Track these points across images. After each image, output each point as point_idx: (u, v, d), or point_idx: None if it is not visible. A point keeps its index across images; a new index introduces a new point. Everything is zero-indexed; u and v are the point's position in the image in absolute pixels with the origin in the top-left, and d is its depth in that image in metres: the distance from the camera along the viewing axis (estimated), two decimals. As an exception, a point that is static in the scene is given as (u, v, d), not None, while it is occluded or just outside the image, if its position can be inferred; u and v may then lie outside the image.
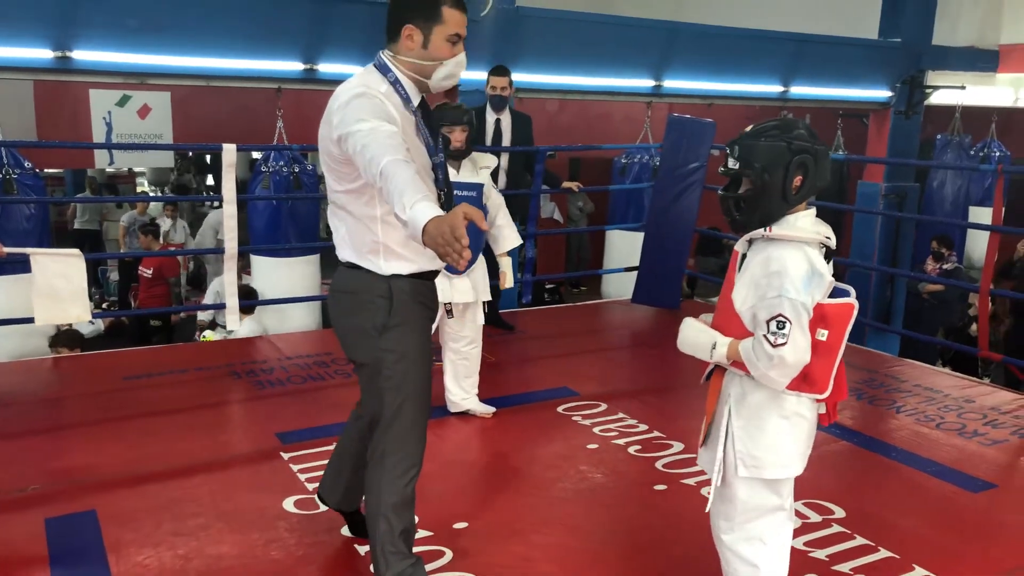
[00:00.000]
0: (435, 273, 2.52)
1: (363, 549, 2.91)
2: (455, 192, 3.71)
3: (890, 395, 4.73)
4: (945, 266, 7.74)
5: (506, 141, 5.55)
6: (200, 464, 3.57)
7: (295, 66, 6.12)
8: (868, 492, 3.53)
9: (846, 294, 2.17)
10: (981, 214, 8.71)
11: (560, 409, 4.31)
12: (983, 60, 9.30)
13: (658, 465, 3.67)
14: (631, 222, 7.66)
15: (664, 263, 6.23)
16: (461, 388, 4.13)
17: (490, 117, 5.49)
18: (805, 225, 2.15)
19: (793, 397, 2.16)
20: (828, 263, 2.17)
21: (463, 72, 2.44)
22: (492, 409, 4.17)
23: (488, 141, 5.47)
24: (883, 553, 2.96)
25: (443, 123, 3.72)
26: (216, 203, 9.37)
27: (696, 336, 2.23)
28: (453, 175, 3.74)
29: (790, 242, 2.10)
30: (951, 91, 8.90)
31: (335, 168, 2.36)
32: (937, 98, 8.99)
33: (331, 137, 2.29)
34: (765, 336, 2.05)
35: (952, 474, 3.67)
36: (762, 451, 2.19)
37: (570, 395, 4.50)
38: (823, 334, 2.06)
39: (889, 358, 5.73)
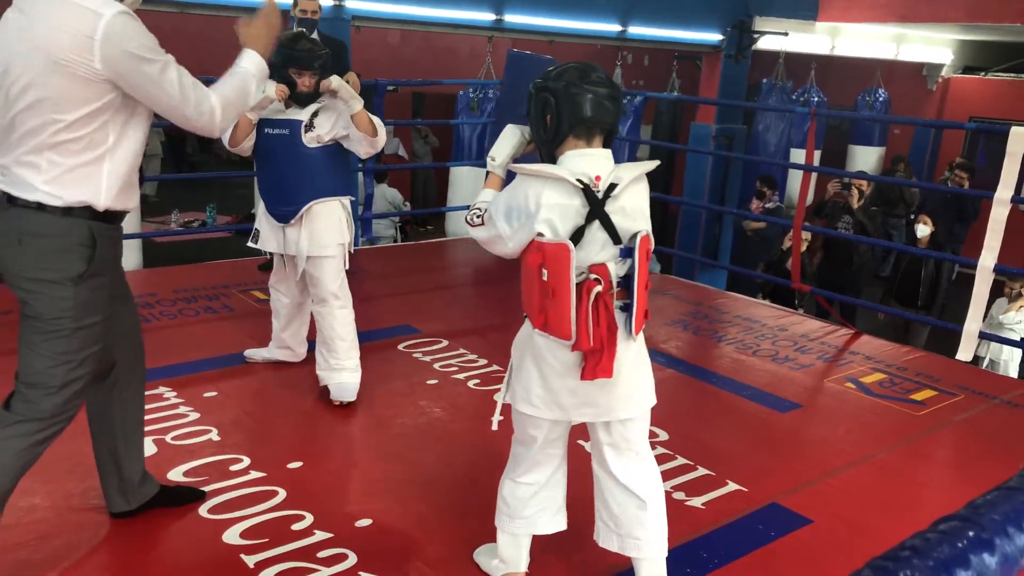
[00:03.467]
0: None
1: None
2: (267, 131, 3.49)
3: (713, 326, 5.03)
4: (767, 205, 8.25)
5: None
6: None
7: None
8: (690, 416, 3.76)
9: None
10: (800, 156, 9.30)
11: (401, 347, 4.30)
12: (804, 8, 9.81)
13: (496, 397, 3.74)
14: (478, 159, 7.64)
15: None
16: (323, 358, 3.61)
17: None
18: (565, 161, 2.15)
19: (541, 338, 2.17)
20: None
21: None
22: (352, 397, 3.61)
23: None
24: (700, 471, 3.18)
25: (291, 65, 3.42)
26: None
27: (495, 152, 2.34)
28: (282, 113, 3.50)
29: (526, 176, 2.14)
30: (775, 37, 9.35)
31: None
32: (763, 44, 9.43)
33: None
34: (467, 217, 2.30)
35: (764, 396, 3.98)
36: (516, 384, 2.26)
37: (411, 332, 4.50)
38: (545, 274, 2.09)
39: (714, 292, 6.08)
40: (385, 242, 8.59)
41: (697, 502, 2.97)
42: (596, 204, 2.10)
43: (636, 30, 8.50)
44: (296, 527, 2.67)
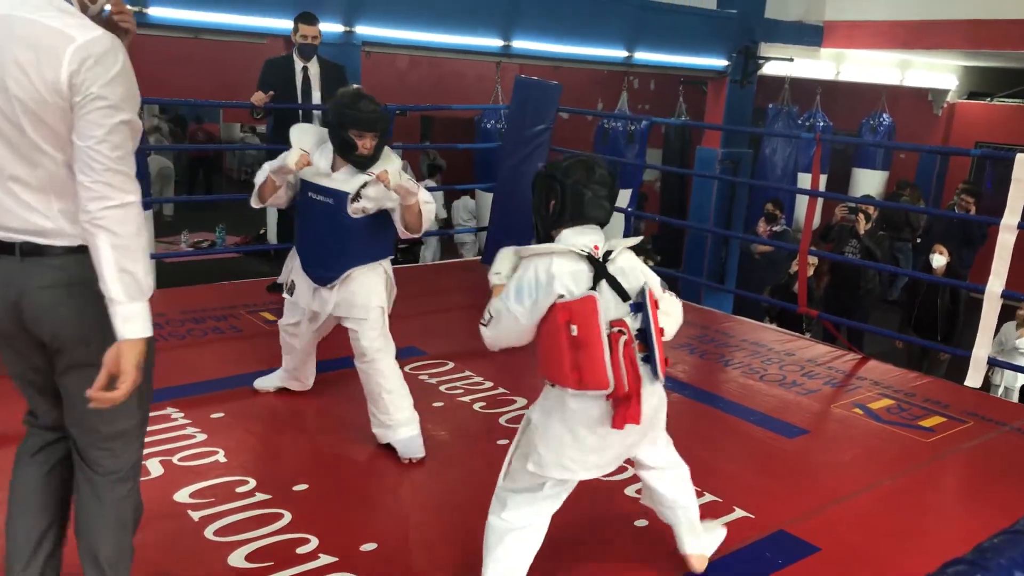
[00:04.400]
0: None
1: (196, 515, 2.81)
2: (311, 195, 3.28)
3: (719, 350, 5.03)
4: (775, 228, 8.26)
5: (316, 92, 5.29)
6: (15, 434, 3.32)
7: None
8: (697, 441, 3.73)
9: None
10: (807, 180, 9.33)
11: (407, 368, 4.29)
12: (809, 35, 9.89)
13: (502, 420, 3.75)
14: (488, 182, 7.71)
15: (513, 224, 6.31)
16: (375, 417, 3.40)
17: (298, 66, 5.24)
18: (562, 238, 2.35)
19: (574, 399, 2.28)
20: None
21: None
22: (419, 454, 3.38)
23: (298, 93, 5.25)
24: (707, 497, 3.16)
25: (352, 127, 3.13)
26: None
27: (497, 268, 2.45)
28: (328, 178, 3.26)
29: (532, 257, 2.32)
30: (781, 63, 9.42)
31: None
32: (769, 69, 9.50)
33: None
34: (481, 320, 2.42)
35: (771, 422, 3.96)
36: (545, 452, 2.35)
37: (418, 354, 4.50)
38: (574, 329, 2.20)
39: (720, 315, 6.08)
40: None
41: (704, 528, 2.95)
42: (600, 267, 2.29)
43: (642, 55, 8.57)
44: (301, 550, 2.67)
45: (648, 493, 2.73)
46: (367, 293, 3.36)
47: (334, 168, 3.27)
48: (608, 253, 2.33)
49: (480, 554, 2.66)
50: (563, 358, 2.22)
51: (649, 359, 2.28)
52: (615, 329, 2.22)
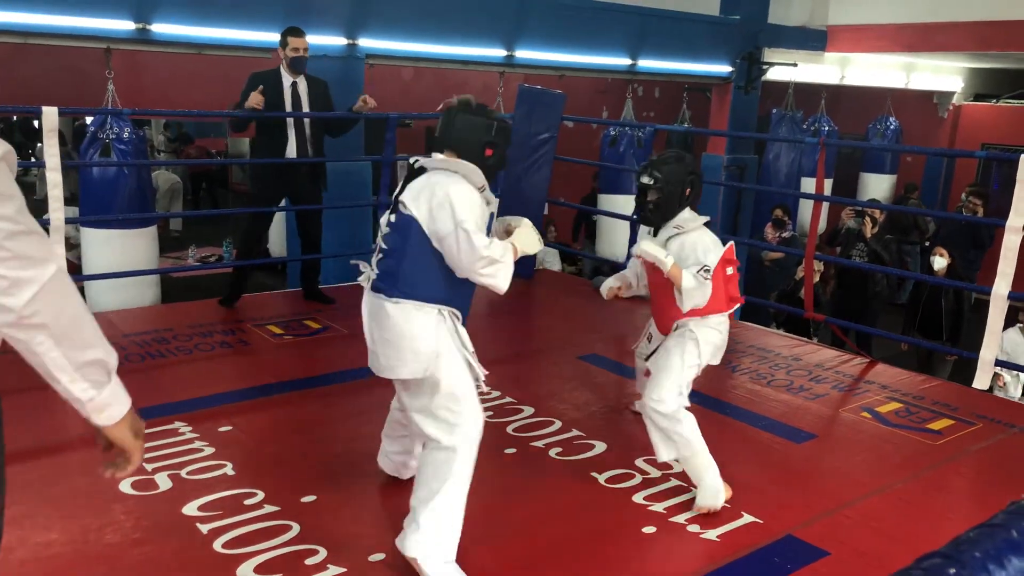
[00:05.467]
0: None
1: (205, 527, 2.82)
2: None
3: (726, 356, 4.96)
4: (784, 234, 8.24)
5: (305, 107, 5.23)
6: (26, 450, 3.33)
7: (125, 24, 5.73)
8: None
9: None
10: (811, 185, 9.31)
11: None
12: (813, 39, 9.89)
13: (509, 430, 3.75)
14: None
15: (518, 232, 6.31)
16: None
17: (286, 81, 5.16)
18: (693, 215, 3.33)
19: (722, 317, 3.29)
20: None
21: None
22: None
23: (288, 107, 5.16)
24: (716, 503, 3.15)
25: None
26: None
27: (655, 248, 3.15)
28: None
29: (695, 229, 3.28)
30: (785, 68, 9.42)
31: None
32: (773, 74, 9.50)
33: None
34: (698, 273, 3.12)
35: (779, 427, 3.95)
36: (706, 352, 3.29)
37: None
38: (730, 269, 3.24)
39: (728, 321, 6.06)
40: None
41: (712, 534, 2.95)
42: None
43: (646, 63, 8.59)
44: (310, 561, 2.67)
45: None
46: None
47: None
48: None
49: (489, 560, 2.66)
50: (720, 291, 3.19)
51: None
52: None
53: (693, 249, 3.20)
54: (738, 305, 3.39)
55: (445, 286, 2.68)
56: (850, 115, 11.90)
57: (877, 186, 11.55)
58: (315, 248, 5.56)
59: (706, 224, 3.36)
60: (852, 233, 7.24)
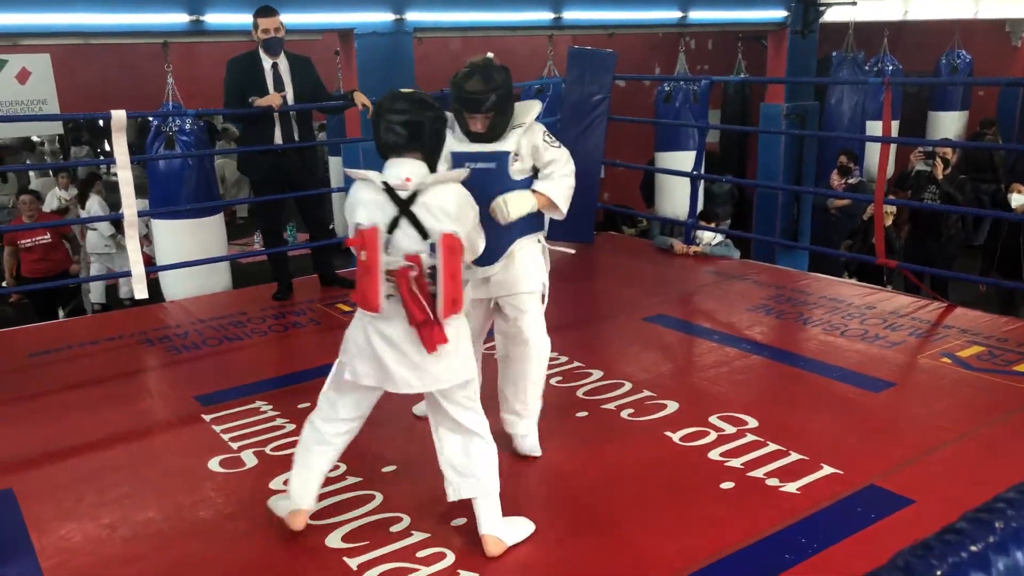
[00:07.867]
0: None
1: (293, 502, 2.92)
2: (469, 165, 2.88)
3: (797, 308, 4.93)
4: (850, 180, 8.01)
5: (288, 87, 5.00)
6: (119, 434, 3.50)
7: (180, 18, 5.84)
8: (779, 401, 3.70)
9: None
10: (877, 128, 9.00)
11: (484, 348, 4.34)
12: (872, -25, 9.50)
13: (579, 393, 3.77)
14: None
15: (576, 197, 6.28)
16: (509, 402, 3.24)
17: (266, 63, 4.94)
18: (385, 168, 2.57)
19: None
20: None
21: None
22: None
23: (269, 90, 4.94)
24: (794, 456, 3.12)
25: (460, 106, 2.98)
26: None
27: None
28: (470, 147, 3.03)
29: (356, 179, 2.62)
30: (843, 7, 9.08)
31: None
32: (831, 15, 9.17)
33: None
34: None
35: (855, 377, 3.87)
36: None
37: (488, 332, 4.54)
38: (363, 255, 2.45)
39: (796, 273, 5.95)
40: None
41: (792, 487, 2.92)
42: (401, 202, 2.48)
43: (697, 14, 8.38)
44: (394, 529, 2.75)
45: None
46: (533, 268, 3.15)
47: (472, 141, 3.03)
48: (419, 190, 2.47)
49: (570, 518, 2.69)
50: (357, 281, 2.53)
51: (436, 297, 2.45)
52: (406, 263, 2.42)
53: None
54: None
55: None
56: (915, 52, 11.42)
57: (948, 125, 11.09)
58: (324, 232, 5.58)
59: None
60: (923, 176, 7.00)
